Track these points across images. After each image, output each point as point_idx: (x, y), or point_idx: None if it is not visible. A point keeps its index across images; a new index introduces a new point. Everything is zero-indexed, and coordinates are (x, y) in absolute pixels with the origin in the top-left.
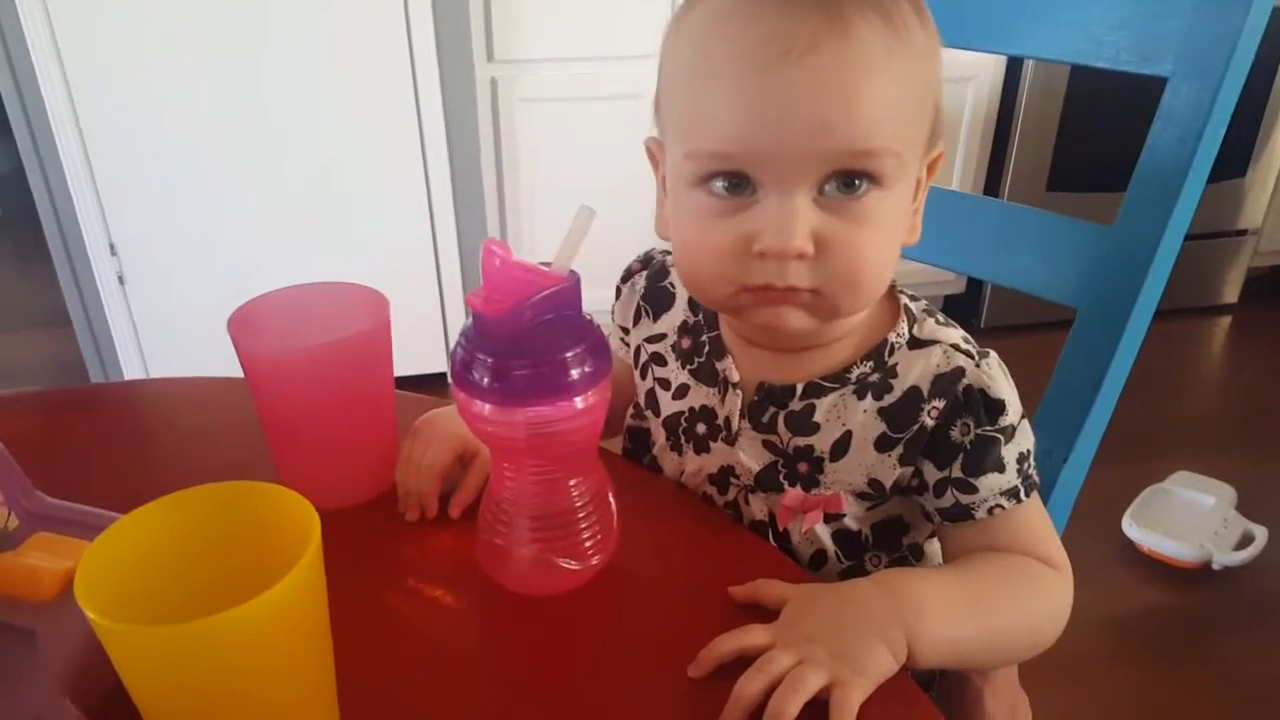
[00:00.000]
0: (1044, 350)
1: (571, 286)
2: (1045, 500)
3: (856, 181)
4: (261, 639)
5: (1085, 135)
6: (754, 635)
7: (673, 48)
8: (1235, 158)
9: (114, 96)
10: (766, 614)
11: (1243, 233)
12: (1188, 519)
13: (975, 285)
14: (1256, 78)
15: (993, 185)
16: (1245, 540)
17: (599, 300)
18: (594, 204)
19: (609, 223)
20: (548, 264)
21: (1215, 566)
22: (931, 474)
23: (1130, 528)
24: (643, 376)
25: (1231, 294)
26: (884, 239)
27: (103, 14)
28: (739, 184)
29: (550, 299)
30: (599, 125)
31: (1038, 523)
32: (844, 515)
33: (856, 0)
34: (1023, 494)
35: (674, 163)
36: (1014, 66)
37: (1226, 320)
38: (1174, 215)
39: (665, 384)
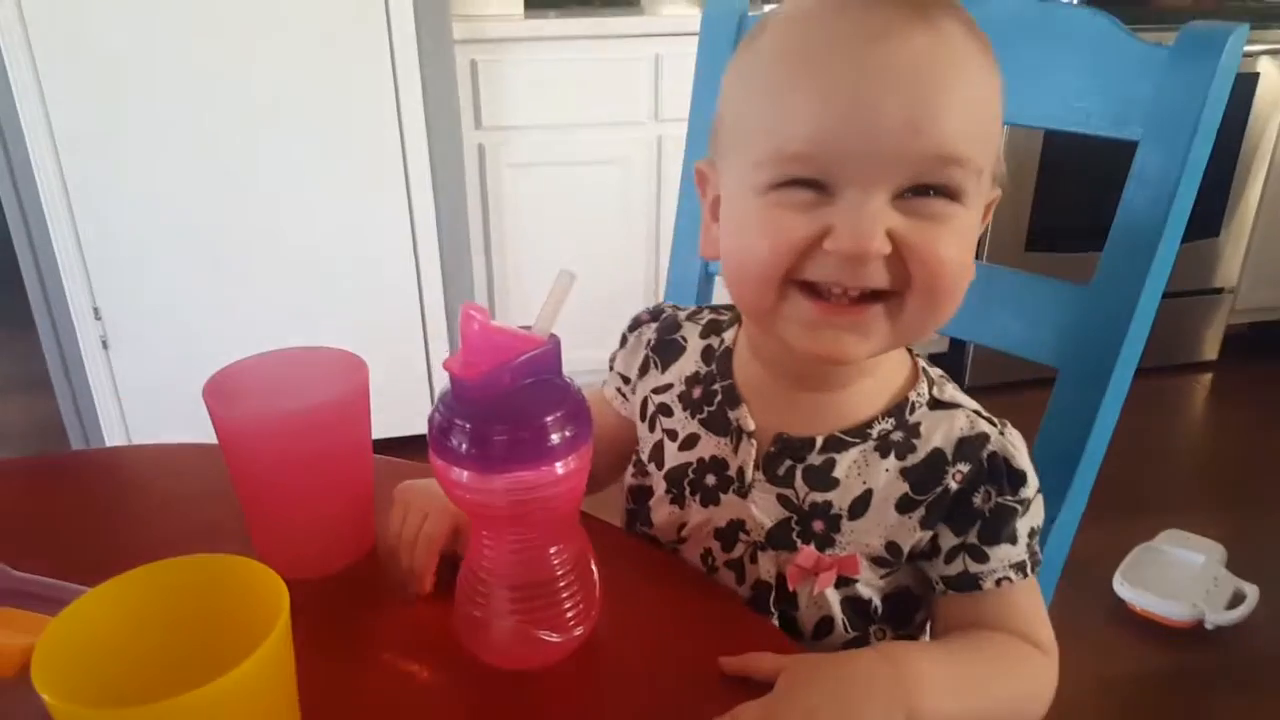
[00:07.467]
0: (1029, 408)
1: (551, 350)
2: None
3: (933, 194)
4: None
5: (1061, 196)
6: (746, 717)
7: (744, 61)
8: (1209, 217)
9: (101, 161)
10: (757, 686)
11: (1219, 290)
12: (1179, 578)
13: (959, 344)
14: (1226, 139)
15: None
16: (1237, 599)
17: (585, 360)
18: (579, 266)
19: (594, 284)
20: (528, 327)
21: (1208, 626)
22: (947, 539)
23: (1122, 587)
24: (650, 429)
25: (1211, 351)
26: (964, 245)
27: (92, 78)
28: (812, 189)
29: (530, 362)
30: (584, 190)
31: (1032, 603)
32: (857, 580)
33: (942, 6)
34: (1028, 569)
35: (738, 175)
36: None
37: (1208, 377)
38: (1151, 274)
39: (673, 435)
